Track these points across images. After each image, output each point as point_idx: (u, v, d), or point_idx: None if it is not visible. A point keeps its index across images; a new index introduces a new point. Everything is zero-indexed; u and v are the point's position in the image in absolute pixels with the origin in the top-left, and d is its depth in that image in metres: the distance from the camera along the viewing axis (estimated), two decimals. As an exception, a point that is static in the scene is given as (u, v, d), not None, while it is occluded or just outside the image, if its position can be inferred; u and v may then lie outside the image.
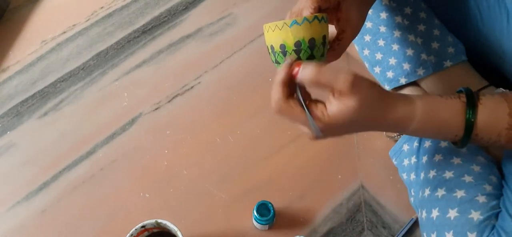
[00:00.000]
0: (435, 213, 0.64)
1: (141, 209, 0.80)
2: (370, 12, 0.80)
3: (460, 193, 0.63)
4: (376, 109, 0.52)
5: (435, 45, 0.79)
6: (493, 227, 0.59)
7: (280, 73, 0.52)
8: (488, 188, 0.63)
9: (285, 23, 0.53)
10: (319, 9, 0.56)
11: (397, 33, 0.79)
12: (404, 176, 0.76)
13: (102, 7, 1.07)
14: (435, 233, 0.63)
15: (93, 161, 0.86)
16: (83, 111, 0.92)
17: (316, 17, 0.53)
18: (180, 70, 0.97)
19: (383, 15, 0.79)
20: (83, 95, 0.94)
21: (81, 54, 1.00)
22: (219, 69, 0.96)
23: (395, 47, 0.79)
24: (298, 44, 0.53)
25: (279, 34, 0.53)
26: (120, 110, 0.92)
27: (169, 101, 0.93)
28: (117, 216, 0.80)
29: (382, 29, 0.79)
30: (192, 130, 0.89)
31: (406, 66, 0.79)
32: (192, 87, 0.94)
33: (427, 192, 0.67)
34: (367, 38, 0.81)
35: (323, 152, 0.85)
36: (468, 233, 0.60)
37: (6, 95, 0.95)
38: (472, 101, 0.55)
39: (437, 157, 0.69)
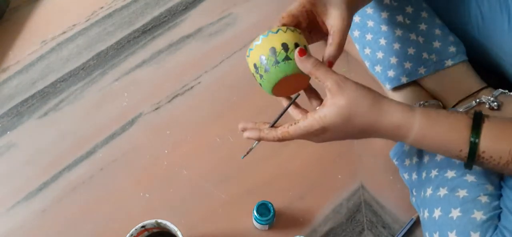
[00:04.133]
0: (437, 212, 0.64)
1: (141, 209, 0.80)
2: (370, 11, 0.80)
3: (462, 193, 0.63)
4: (369, 110, 0.54)
5: (436, 44, 0.79)
6: (496, 227, 0.59)
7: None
8: (490, 188, 0.63)
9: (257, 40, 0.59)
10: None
11: (398, 32, 0.79)
12: (406, 176, 0.76)
13: (102, 7, 1.07)
14: (437, 232, 0.63)
15: (93, 161, 0.86)
16: (83, 111, 0.92)
17: (280, 29, 0.58)
18: (180, 70, 0.97)
19: (384, 14, 0.80)
20: (83, 95, 0.94)
21: (81, 54, 1.00)
22: (219, 69, 0.96)
23: (396, 46, 0.79)
24: (273, 50, 0.57)
25: (259, 47, 0.59)
26: (120, 110, 0.92)
27: (169, 101, 0.93)
28: (117, 216, 0.80)
29: (384, 28, 0.80)
30: (192, 130, 0.89)
31: (408, 65, 0.79)
32: (192, 87, 0.94)
33: (429, 191, 0.67)
34: (369, 36, 0.81)
35: (323, 152, 0.85)
36: (472, 233, 0.59)
37: (6, 95, 0.95)
38: (478, 119, 0.54)
39: (439, 157, 0.69)
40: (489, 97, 0.74)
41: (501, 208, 0.61)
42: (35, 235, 0.79)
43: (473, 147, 0.53)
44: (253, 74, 0.61)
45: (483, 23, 0.77)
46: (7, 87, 0.96)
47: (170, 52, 0.99)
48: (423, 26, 0.79)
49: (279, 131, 0.58)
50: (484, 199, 0.62)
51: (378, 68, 0.82)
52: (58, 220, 0.80)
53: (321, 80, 0.56)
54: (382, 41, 0.80)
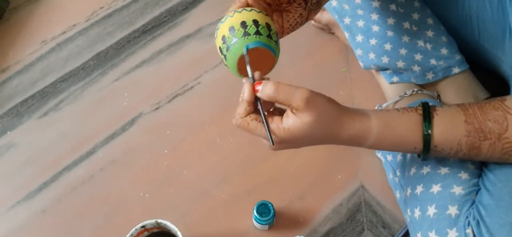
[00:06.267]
0: (419, 189, 0.66)
1: (141, 209, 0.80)
2: (376, 17, 0.80)
3: (444, 170, 0.65)
4: (332, 125, 0.56)
5: (444, 51, 0.80)
6: (473, 202, 0.61)
7: (245, 92, 0.55)
8: (471, 166, 0.65)
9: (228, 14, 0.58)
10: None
11: (405, 38, 0.80)
12: (389, 157, 0.77)
13: (102, 7, 1.07)
14: (418, 207, 0.65)
15: (93, 161, 0.86)
16: (83, 111, 0.92)
17: (245, 9, 0.58)
18: (180, 70, 0.97)
19: (390, 20, 0.80)
20: (83, 95, 0.94)
21: (81, 54, 1.00)
22: (219, 69, 0.96)
23: (403, 51, 0.80)
24: (243, 23, 0.56)
25: (225, 23, 0.57)
26: (120, 110, 0.92)
27: (169, 101, 0.93)
28: (117, 216, 0.80)
29: (390, 33, 0.80)
30: (192, 130, 0.89)
31: (416, 68, 0.80)
32: (192, 87, 0.94)
33: (413, 170, 0.69)
34: (373, 41, 0.81)
35: (323, 152, 0.85)
36: (449, 206, 0.61)
37: (6, 95, 0.95)
38: (428, 114, 0.57)
39: None
40: None
41: (479, 186, 0.63)
42: (35, 235, 0.79)
43: (427, 140, 0.57)
44: (220, 53, 0.59)
45: (484, 26, 0.77)
46: (7, 87, 0.96)
47: (170, 52, 0.99)
48: (430, 33, 0.81)
49: (240, 121, 0.56)
50: (464, 175, 0.63)
51: (383, 72, 0.83)
52: (58, 220, 0.80)
53: (284, 103, 0.54)
54: (387, 47, 0.80)
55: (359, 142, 0.58)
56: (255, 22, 0.56)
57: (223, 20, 0.58)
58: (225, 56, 0.58)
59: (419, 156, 0.62)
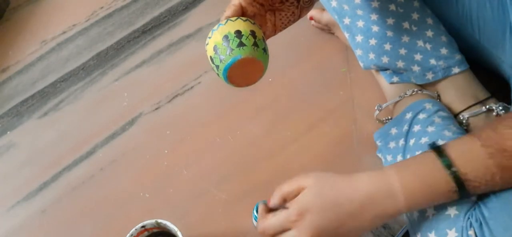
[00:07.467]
0: None
1: (141, 209, 0.80)
2: (375, 17, 0.80)
3: None
4: (339, 180, 0.59)
5: (444, 51, 0.80)
6: (473, 204, 0.60)
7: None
8: None
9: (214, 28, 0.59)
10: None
11: (405, 38, 0.80)
12: (389, 158, 0.77)
13: (102, 7, 1.07)
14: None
15: (93, 161, 0.86)
16: (83, 111, 0.92)
17: (229, 19, 0.59)
18: (180, 70, 0.97)
19: (390, 21, 0.80)
20: (83, 95, 0.94)
21: (81, 54, 1.00)
22: (219, 69, 0.96)
23: (402, 51, 0.80)
24: (225, 37, 0.57)
25: (215, 35, 0.58)
26: (120, 110, 0.92)
27: (169, 101, 0.93)
28: (117, 216, 0.80)
29: (389, 33, 0.80)
30: (192, 130, 0.89)
31: (415, 68, 0.80)
32: (192, 87, 0.94)
33: None
34: (373, 41, 0.81)
35: (323, 152, 0.85)
36: (448, 207, 0.60)
37: (6, 95, 0.95)
38: (439, 151, 0.56)
39: (424, 140, 0.70)
40: (498, 105, 0.75)
41: None
42: (35, 235, 0.79)
43: (450, 168, 0.55)
44: (211, 63, 0.60)
45: (484, 25, 0.77)
46: (7, 87, 0.96)
47: (170, 52, 0.99)
48: (430, 33, 0.80)
49: (261, 227, 0.62)
50: None
51: (383, 72, 0.83)
52: (58, 220, 0.80)
53: (293, 187, 0.61)
54: (387, 47, 0.80)
55: (391, 203, 0.57)
56: (238, 33, 0.57)
57: (210, 35, 0.59)
58: (216, 66, 0.59)
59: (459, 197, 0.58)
